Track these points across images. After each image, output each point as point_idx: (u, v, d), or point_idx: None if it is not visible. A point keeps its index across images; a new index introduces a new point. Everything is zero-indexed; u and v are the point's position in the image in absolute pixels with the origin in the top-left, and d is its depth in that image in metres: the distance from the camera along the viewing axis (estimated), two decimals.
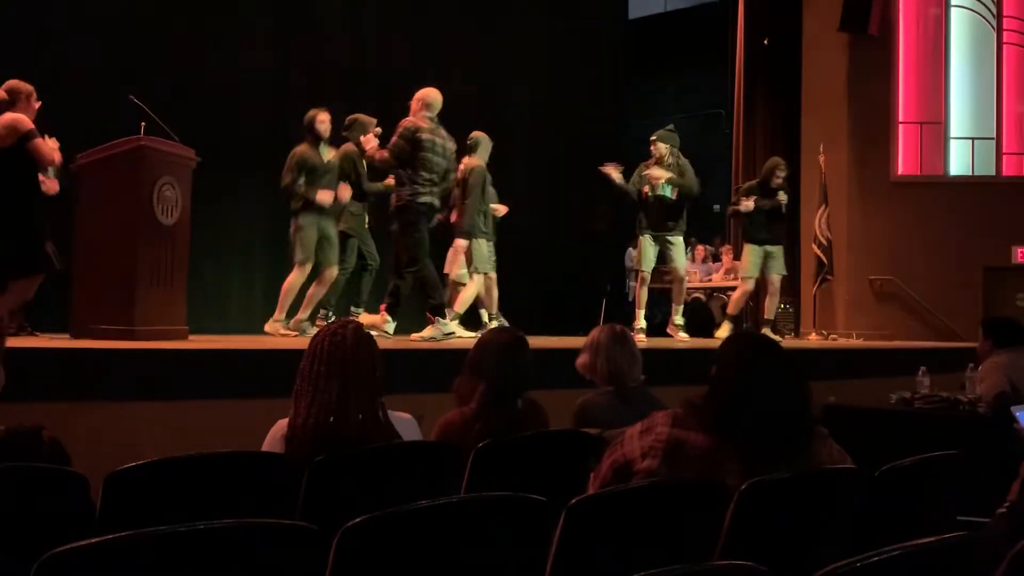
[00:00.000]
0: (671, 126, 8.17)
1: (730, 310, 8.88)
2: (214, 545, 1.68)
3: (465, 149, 7.46)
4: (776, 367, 2.48)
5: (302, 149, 6.93)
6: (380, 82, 9.70)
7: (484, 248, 7.41)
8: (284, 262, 7.94)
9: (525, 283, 9.21)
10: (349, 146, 7.21)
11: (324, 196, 6.81)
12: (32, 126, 5.52)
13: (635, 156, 9.22)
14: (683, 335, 8.06)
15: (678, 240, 7.92)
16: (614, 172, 7.83)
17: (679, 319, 8.17)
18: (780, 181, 8.61)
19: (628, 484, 2.38)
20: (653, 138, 8.02)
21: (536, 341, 3.77)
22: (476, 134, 7.57)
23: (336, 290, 7.29)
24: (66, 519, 2.11)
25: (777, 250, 8.68)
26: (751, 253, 8.66)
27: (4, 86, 5.68)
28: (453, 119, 9.93)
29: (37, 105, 5.80)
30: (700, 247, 12.55)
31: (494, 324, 7.71)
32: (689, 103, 15.54)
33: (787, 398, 2.43)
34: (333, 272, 6.99)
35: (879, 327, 11.17)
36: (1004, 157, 11.80)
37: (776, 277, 8.70)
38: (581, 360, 3.75)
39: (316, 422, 2.61)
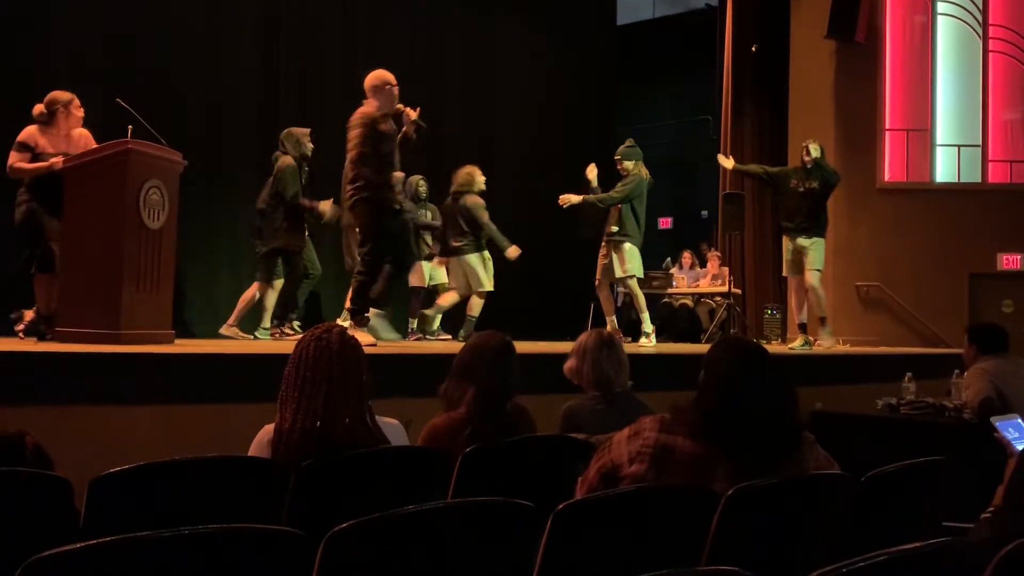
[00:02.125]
0: (630, 141, 8.13)
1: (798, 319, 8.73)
2: (199, 551, 1.68)
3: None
4: (764, 373, 2.49)
5: (292, 164, 7.32)
6: None
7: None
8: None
9: (513, 288, 9.21)
10: (287, 159, 7.42)
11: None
12: (26, 140, 5.55)
13: None
14: (645, 341, 7.88)
15: (623, 247, 7.80)
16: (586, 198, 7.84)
17: (647, 327, 7.90)
18: (809, 159, 8.31)
19: (615, 489, 2.38)
20: (617, 156, 7.99)
21: (523, 346, 3.77)
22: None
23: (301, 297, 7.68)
24: (50, 524, 2.10)
25: (808, 243, 8.35)
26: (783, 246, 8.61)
27: (44, 100, 5.70)
28: (441, 127, 9.96)
29: (79, 114, 5.79)
30: (686, 253, 12.58)
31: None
32: (677, 109, 15.59)
33: (774, 404, 2.44)
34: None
35: (865, 333, 11.19)
36: (990, 164, 11.86)
37: (808, 274, 8.33)
38: (569, 365, 3.77)
39: (302, 427, 2.60)
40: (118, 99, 5.75)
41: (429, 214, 8.58)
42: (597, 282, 8.01)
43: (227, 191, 8.44)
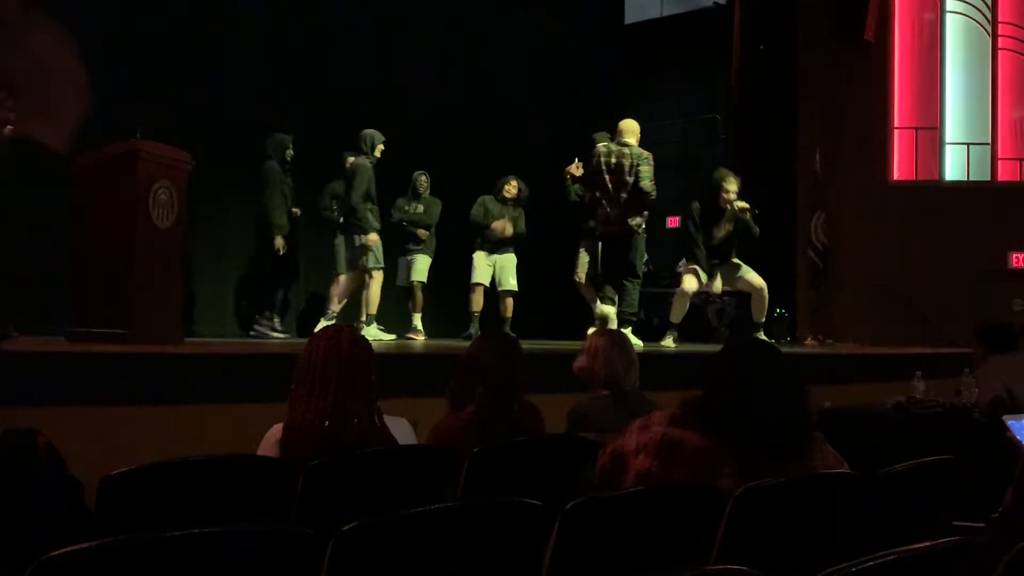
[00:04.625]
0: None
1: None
2: (209, 550, 1.68)
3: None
4: (776, 370, 2.49)
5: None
6: (377, 86, 9.70)
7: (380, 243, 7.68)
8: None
9: (521, 288, 9.22)
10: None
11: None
12: None
13: None
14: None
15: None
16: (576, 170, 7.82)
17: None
18: (731, 196, 7.56)
19: (623, 489, 2.38)
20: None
21: (530, 345, 3.77)
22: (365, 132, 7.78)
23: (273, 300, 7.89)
24: (61, 523, 2.10)
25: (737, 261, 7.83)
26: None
27: None
28: (449, 125, 9.95)
29: (3, 114, 5.78)
30: None
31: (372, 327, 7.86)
32: (685, 108, 15.54)
33: (784, 400, 2.43)
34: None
35: (874, 332, 11.18)
36: (999, 162, 11.84)
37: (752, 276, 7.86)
38: (579, 363, 3.75)
39: (311, 426, 2.61)
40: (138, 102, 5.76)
41: (422, 207, 8.52)
42: (581, 277, 7.92)
43: (236, 191, 8.45)
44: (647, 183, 7.04)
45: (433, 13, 10.20)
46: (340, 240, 7.92)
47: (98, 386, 4.19)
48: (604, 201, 7.16)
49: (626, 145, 7.18)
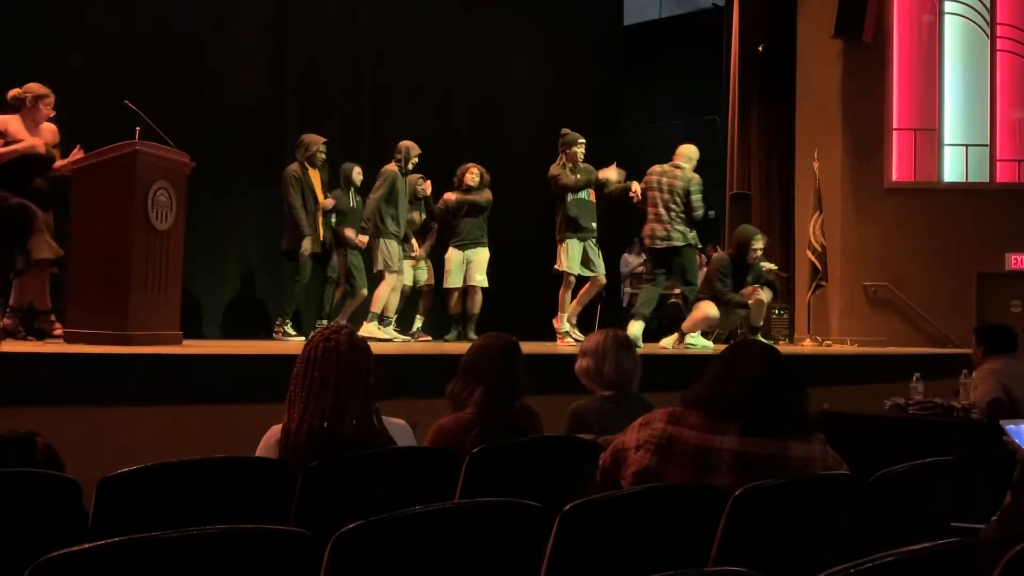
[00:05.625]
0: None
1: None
2: (207, 551, 1.68)
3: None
4: (773, 364, 2.53)
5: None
6: (376, 89, 9.71)
7: (396, 248, 7.62)
8: (277, 267, 7.97)
9: (519, 289, 9.22)
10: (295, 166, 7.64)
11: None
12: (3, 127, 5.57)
13: (631, 162, 9.23)
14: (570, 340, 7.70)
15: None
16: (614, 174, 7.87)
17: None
18: (758, 254, 8.04)
19: (622, 490, 2.38)
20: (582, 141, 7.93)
21: (530, 346, 3.77)
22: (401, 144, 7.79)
23: (293, 301, 7.78)
24: (59, 525, 2.10)
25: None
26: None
27: (23, 87, 5.74)
28: (448, 127, 9.97)
29: (48, 111, 5.79)
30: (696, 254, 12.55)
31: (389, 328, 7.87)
32: (684, 109, 15.58)
33: (781, 392, 2.47)
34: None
35: (873, 333, 11.18)
36: (998, 164, 11.83)
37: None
38: (583, 364, 3.70)
39: (310, 428, 2.60)
40: (126, 101, 5.76)
41: (419, 213, 8.47)
42: (573, 279, 7.88)
43: (235, 192, 8.46)
44: (699, 213, 7.72)
45: (433, 15, 10.20)
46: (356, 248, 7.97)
47: (98, 386, 4.18)
48: (654, 217, 7.68)
49: (679, 168, 7.71)
